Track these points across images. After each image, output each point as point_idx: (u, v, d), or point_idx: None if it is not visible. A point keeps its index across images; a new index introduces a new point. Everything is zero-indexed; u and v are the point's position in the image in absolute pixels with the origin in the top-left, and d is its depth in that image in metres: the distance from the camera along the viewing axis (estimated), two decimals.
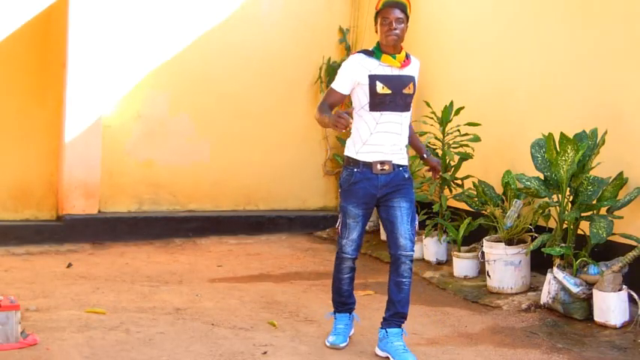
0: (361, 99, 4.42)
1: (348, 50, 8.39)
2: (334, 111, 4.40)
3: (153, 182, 7.82)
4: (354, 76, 4.40)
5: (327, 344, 4.57)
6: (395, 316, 4.44)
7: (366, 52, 4.47)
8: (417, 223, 4.53)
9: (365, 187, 4.42)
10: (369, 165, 4.41)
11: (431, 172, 4.83)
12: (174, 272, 6.35)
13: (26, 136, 7.40)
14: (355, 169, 4.43)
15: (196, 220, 7.77)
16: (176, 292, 5.69)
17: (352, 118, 4.36)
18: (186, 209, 7.95)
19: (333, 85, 4.47)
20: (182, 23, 7.86)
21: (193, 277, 6.20)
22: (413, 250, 4.44)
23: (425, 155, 4.74)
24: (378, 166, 4.40)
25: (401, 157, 4.48)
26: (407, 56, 4.48)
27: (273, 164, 8.23)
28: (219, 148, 8.04)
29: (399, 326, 4.44)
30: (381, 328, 4.47)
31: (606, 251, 5.34)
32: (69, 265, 6.42)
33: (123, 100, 7.67)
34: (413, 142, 4.71)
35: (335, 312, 4.69)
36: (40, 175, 7.47)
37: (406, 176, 4.49)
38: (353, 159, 4.45)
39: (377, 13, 4.43)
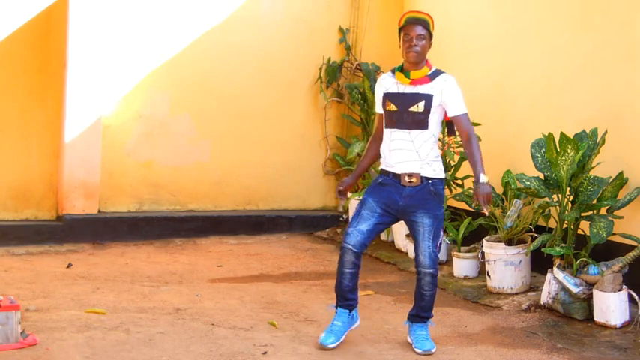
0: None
1: (348, 50, 8.39)
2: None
3: (153, 182, 7.81)
4: (378, 95, 4.63)
5: (318, 342, 4.55)
6: (417, 316, 4.66)
7: (393, 69, 4.60)
8: (441, 239, 4.56)
9: (390, 191, 4.51)
10: (398, 176, 4.51)
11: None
12: (174, 272, 6.35)
13: (26, 136, 7.40)
14: (387, 177, 4.57)
15: (196, 220, 7.77)
16: (176, 292, 5.69)
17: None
18: (186, 209, 7.94)
19: (375, 108, 4.77)
20: (182, 23, 7.86)
21: (193, 277, 6.20)
22: (432, 268, 4.51)
23: (476, 182, 4.45)
24: (406, 179, 4.48)
25: (429, 170, 4.50)
26: (430, 74, 4.48)
27: (274, 164, 8.23)
28: (220, 148, 8.03)
29: (422, 322, 4.65)
30: (407, 320, 4.70)
31: (606, 251, 5.34)
32: (69, 265, 6.42)
33: (123, 100, 7.67)
34: (470, 163, 4.52)
35: (336, 305, 4.66)
36: (40, 175, 7.47)
37: (432, 190, 4.49)
38: (384, 170, 4.61)
39: (400, 30, 4.50)
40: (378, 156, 4.74)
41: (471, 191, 6.31)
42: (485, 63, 6.98)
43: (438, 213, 4.51)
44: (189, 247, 7.36)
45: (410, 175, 4.46)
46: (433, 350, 4.52)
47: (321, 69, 8.30)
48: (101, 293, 5.58)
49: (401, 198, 4.48)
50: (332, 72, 8.26)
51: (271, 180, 8.23)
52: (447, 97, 4.47)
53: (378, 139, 4.69)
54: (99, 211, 7.51)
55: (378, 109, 4.66)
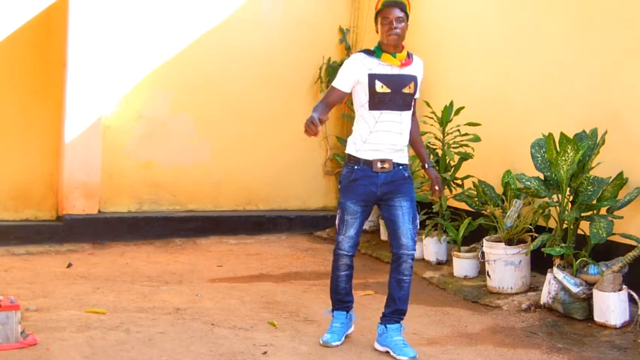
0: (361, 98, 4.46)
1: (348, 50, 8.39)
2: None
3: (153, 182, 7.82)
4: (355, 75, 4.44)
5: (320, 342, 4.58)
6: (395, 313, 4.52)
7: (367, 51, 4.51)
8: (418, 221, 4.57)
9: (365, 184, 4.47)
10: (369, 163, 4.46)
11: (430, 186, 4.77)
12: (174, 272, 6.35)
13: (26, 136, 7.40)
14: (356, 167, 4.49)
15: (196, 220, 7.77)
16: (176, 292, 5.69)
17: (323, 125, 4.30)
18: (186, 209, 7.95)
19: (334, 83, 4.52)
20: (183, 24, 7.86)
21: (193, 277, 6.20)
22: (414, 250, 4.52)
23: (426, 165, 4.73)
24: (379, 164, 4.45)
25: (401, 156, 4.53)
26: (409, 55, 4.50)
27: (274, 164, 8.24)
28: (220, 149, 8.04)
29: (398, 322, 4.52)
30: (380, 323, 4.55)
31: (606, 251, 5.34)
32: (69, 265, 6.42)
33: (123, 101, 7.67)
34: (417, 149, 4.73)
35: (332, 309, 4.69)
36: (40, 175, 7.47)
37: (406, 175, 4.53)
38: (353, 157, 4.51)
39: (377, 13, 4.46)
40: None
41: (472, 191, 6.34)
42: (484, 63, 6.98)
43: (412, 195, 4.55)
44: (189, 247, 7.36)
45: (382, 161, 4.45)
46: (417, 356, 4.39)
47: (321, 69, 8.31)
48: (101, 293, 5.58)
49: (377, 187, 4.47)
50: (332, 72, 8.25)
51: (271, 180, 8.24)
52: (420, 79, 4.55)
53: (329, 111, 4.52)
54: (99, 211, 7.51)
55: (346, 87, 4.45)
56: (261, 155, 8.18)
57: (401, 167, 4.50)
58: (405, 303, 4.52)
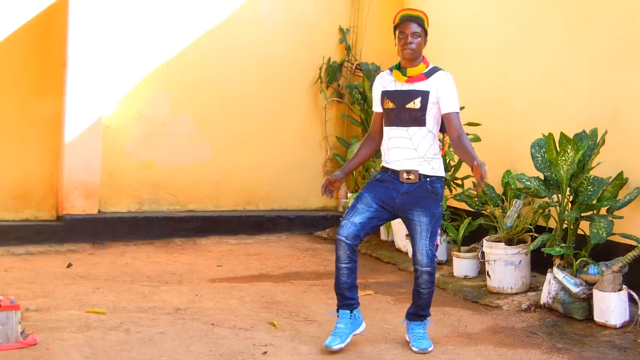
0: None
1: (348, 50, 8.39)
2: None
3: (153, 182, 7.82)
4: (375, 93, 4.66)
5: (323, 346, 4.50)
6: (414, 315, 4.69)
7: (391, 68, 4.63)
8: (438, 238, 4.57)
9: (388, 187, 4.53)
10: (396, 173, 4.54)
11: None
12: (174, 272, 6.35)
13: (26, 136, 7.40)
14: (385, 173, 4.60)
15: (196, 220, 7.77)
16: (176, 292, 5.69)
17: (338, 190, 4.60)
18: (186, 209, 7.95)
19: (372, 107, 4.77)
20: (183, 23, 7.86)
21: (193, 277, 6.20)
22: (429, 266, 4.54)
23: (478, 163, 4.23)
24: (404, 175, 4.51)
25: (428, 168, 4.50)
26: (428, 71, 4.49)
27: (274, 164, 8.24)
28: (220, 148, 8.04)
29: (419, 320, 4.69)
30: (405, 318, 4.74)
31: (606, 251, 5.34)
32: (69, 265, 6.42)
33: (123, 101, 7.67)
34: (465, 154, 4.38)
35: (337, 309, 4.64)
36: (40, 175, 7.47)
37: (430, 188, 4.48)
38: (383, 166, 4.64)
39: (395, 27, 4.53)
40: (370, 156, 4.78)
41: (472, 191, 6.34)
42: (484, 63, 6.98)
43: (435, 211, 4.51)
44: (189, 247, 7.36)
45: (408, 172, 4.48)
46: (430, 349, 4.54)
47: (321, 69, 8.30)
48: (101, 293, 5.58)
49: (398, 195, 4.50)
50: (332, 72, 8.26)
51: (271, 180, 8.24)
52: (442, 93, 4.48)
53: (372, 139, 4.73)
54: (99, 211, 7.51)
55: (376, 107, 4.68)
56: (261, 155, 8.18)
57: (427, 180, 4.49)
58: (424, 309, 4.66)
